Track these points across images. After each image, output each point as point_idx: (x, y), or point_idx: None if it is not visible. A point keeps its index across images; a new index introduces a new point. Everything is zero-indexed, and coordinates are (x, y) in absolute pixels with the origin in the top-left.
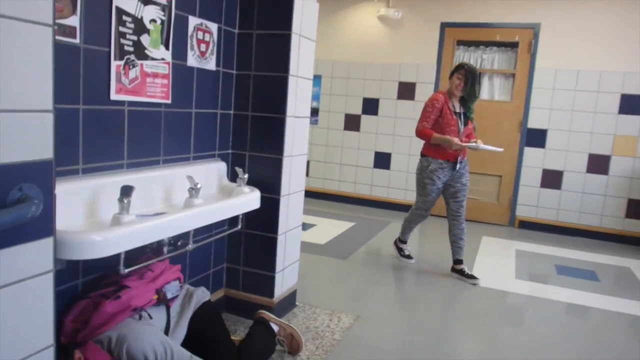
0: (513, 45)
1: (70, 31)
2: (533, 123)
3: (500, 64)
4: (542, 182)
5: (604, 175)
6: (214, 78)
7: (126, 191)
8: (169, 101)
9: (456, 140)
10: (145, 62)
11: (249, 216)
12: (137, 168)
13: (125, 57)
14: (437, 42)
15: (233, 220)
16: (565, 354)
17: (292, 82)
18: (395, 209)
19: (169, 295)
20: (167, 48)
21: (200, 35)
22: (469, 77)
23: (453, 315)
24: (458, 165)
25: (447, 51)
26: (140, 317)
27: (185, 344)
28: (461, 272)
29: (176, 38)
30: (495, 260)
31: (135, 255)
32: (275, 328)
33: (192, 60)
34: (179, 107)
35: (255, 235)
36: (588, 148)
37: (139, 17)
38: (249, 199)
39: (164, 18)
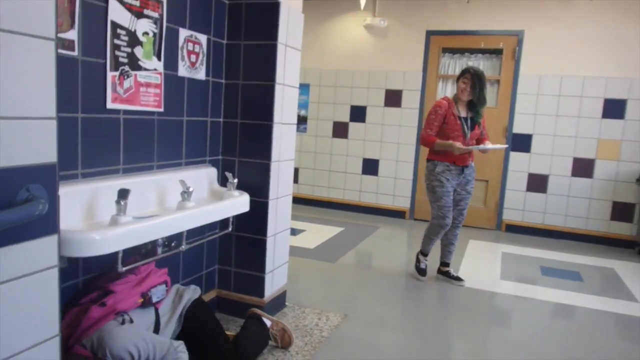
0: (497, 52)
1: (69, 44)
2: (518, 128)
3: (485, 70)
4: (528, 186)
5: (589, 179)
6: (204, 87)
7: (123, 194)
8: (162, 110)
9: (458, 144)
10: (138, 73)
11: (239, 219)
12: (132, 173)
13: (120, 68)
14: (422, 50)
15: (224, 223)
16: (551, 351)
17: (278, 90)
18: (383, 215)
19: (155, 299)
20: (159, 59)
21: (190, 46)
22: (476, 82)
23: (440, 314)
24: (465, 170)
25: (433, 59)
26: (123, 322)
27: (181, 340)
28: (447, 274)
29: (168, 49)
30: (481, 263)
31: (125, 257)
32: (268, 323)
33: (183, 71)
34: (171, 115)
35: (246, 238)
36: (572, 152)
37: (133, 30)
38: (239, 202)
39: (155, 30)
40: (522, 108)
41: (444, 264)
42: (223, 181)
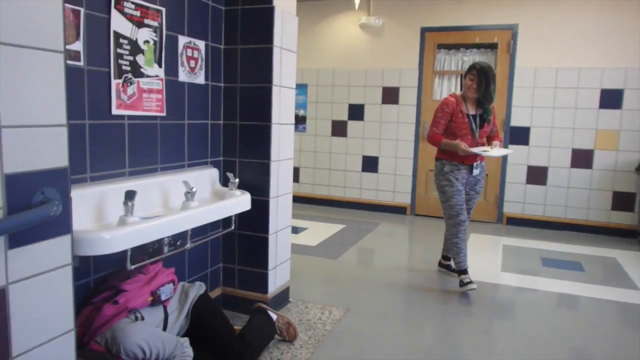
0: (492, 47)
1: (75, 55)
2: (516, 121)
3: None
4: (528, 179)
5: (588, 170)
6: (203, 91)
7: (130, 195)
8: (164, 114)
9: (464, 145)
10: (141, 80)
11: (242, 217)
12: (138, 175)
13: (124, 76)
14: (418, 47)
15: (227, 222)
16: (555, 341)
17: (275, 91)
18: (384, 211)
19: (163, 297)
20: (160, 66)
21: (189, 52)
22: (482, 78)
23: (442, 306)
24: (475, 171)
25: (428, 55)
26: (136, 319)
27: (189, 336)
28: (448, 268)
29: (168, 56)
30: (483, 256)
31: (133, 256)
32: (274, 317)
33: (183, 76)
34: (173, 119)
35: (248, 236)
36: (571, 143)
37: (134, 39)
38: (240, 201)
39: (156, 39)
40: (519, 101)
41: (445, 257)
42: (225, 181)
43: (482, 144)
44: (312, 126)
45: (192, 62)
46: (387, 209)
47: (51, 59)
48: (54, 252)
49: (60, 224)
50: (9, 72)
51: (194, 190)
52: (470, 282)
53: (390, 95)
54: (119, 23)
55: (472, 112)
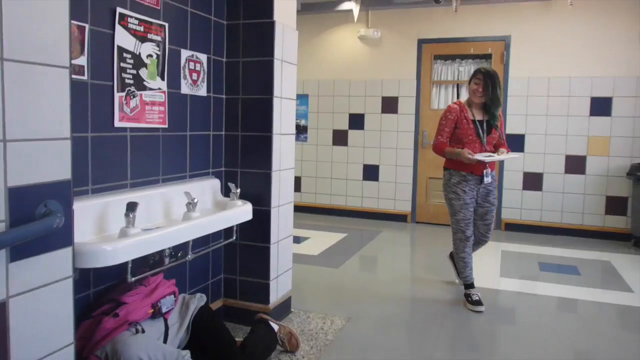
0: (487, 57)
1: (79, 69)
2: (511, 129)
3: None
4: (524, 185)
5: (582, 175)
6: (205, 103)
7: (131, 207)
8: (166, 126)
9: (467, 152)
10: (144, 92)
11: (243, 228)
12: (140, 187)
13: (127, 89)
14: (415, 58)
15: (228, 233)
16: (555, 344)
17: (276, 103)
18: (386, 219)
19: (164, 309)
20: (162, 79)
21: (191, 65)
22: (488, 81)
23: (444, 313)
24: (485, 179)
25: (426, 66)
26: (136, 331)
27: (190, 349)
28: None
29: (170, 69)
30: (482, 262)
31: (134, 268)
32: (275, 327)
33: (186, 88)
34: (175, 131)
35: (250, 246)
36: (564, 150)
37: (137, 53)
38: (242, 211)
39: (159, 53)
40: (514, 109)
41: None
42: (226, 192)
43: (491, 151)
44: (313, 136)
45: (195, 75)
46: (389, 217)
47: (57, 74)
48: (55, 265)
49: (62, 237)
50: (16, 88)
51: (195, 201)
52: (480, 303)
53: (390, 105)
54: (122, 38)
55: (478, 117)
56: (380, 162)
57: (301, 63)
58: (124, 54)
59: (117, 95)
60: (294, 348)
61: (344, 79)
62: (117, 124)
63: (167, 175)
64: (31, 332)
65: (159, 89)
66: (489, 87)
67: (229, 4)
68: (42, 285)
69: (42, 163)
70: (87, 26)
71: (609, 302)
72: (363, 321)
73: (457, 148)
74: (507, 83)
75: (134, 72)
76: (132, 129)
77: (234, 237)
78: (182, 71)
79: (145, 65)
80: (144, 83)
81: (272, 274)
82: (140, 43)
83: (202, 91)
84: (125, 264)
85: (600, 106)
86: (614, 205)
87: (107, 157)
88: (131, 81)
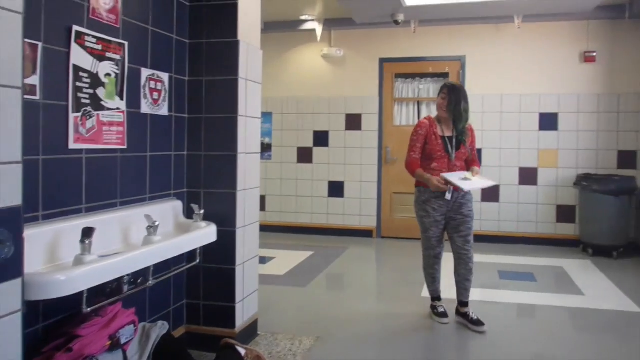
0: (444, 75)
1: (30, 89)
2: None
3: (435, 92)
4: (483, 197)
5: (534, 186)
6: (167, 122)
7: (87, 232)
8: (125, 146)
9: (435, 180)
10: (101, 113)
11: (207, 250)
12: (96, 211)
13: (83, 109)
14: (377, 76)
15: (191, 256)
16: (521, 348)
17: (241, 121)
18: (351, 235)
19: (123, 340)
20: (121, 98)
21: (152, 84)
22: (452, 96)
23: (411, 326)
24: (447, 195)
25: (387, 83)
26: None
27: None
28: (466, 317)
29: (130, 88)
30: (443, 273)
31: (90, 298)
32: (242, 352)
33: (146, 108)
34: (134, 152)
35: (214, 269)
36: (518, 162)
37: (95, 72)
38: (205, 233)
39: (117, 71)
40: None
41: (462, 303)
42: (189, 213)
43: (461, 167)
44: (277, 154)
45: (156, 94)
46: (355, 233)
47: (8, 95)
48: (2, 298)
49: (11, 267)
50: None
51: (156, 224)
52: (445, 315)
53: (353, 122)
54: (79, 57)
55: (447, 134)
56: (345, 178)
57: (265, 81)
58: (81, 73)
59: (72, 116)
60: None
61: (308, 97)
62: (72, 145)
63: (125, 197)
64: None
65: (118, 108)
66: (453, 102)
67: (192, 23)
68: None
69: None
70: (40, 44)
71: (564, 305)
72: (332, 340)
73: (428, 170)
74: None
75: (91, 91)
76: (88, 151)
77: (198, 260)
78: (142, 90)
79: (103, 84)
80: (102, 103)
81: (238, 297)
82: (98, 62)
83: (164, 110)
84: (80, 293)
85: (548, 121)
86: (564, 213)
87: (60, 181)
88: (88, 101)
